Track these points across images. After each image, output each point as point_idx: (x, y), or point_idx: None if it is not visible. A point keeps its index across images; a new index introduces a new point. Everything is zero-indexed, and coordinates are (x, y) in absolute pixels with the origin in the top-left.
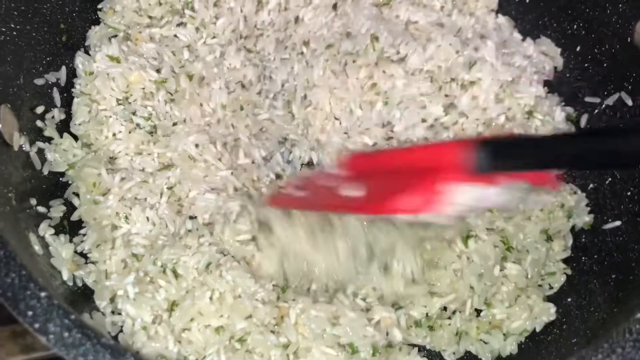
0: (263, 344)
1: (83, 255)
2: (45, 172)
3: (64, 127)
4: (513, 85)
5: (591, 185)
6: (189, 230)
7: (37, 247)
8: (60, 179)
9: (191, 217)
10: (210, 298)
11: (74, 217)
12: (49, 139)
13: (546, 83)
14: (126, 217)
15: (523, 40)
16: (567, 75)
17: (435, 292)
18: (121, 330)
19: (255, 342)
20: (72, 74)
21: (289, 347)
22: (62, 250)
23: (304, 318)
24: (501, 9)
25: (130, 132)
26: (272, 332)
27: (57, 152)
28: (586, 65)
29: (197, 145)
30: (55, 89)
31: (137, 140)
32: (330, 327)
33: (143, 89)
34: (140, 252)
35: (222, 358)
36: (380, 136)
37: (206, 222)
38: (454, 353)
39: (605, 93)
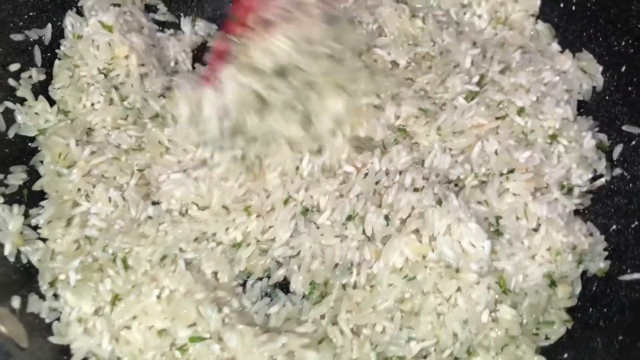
0: (205, 356)
1: (36, 229)
2: (11, 135)
3: (41, 89)
4: (537, 104)
5: (614, 227)
6: (149, 217)
7: None
8: (30, 144)
9: (154, 203)
10: (158, 297)
11: (36, 187)
12: (21, 100)
13: (581, 104)
14: (87, 195)
15: (562, 52)
16: (607, 97)
17: (414, 337)
18: (58, 319)
19: (197, 353)
20: (59, 33)
21: None
22: (10, 221)
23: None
24: (542, 15)
25: (110, 105)
26: (220, 339)
27: (28, 114)
28: (630, 88)
29: None
30: (37, 47)
31: (115, 115)
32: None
33: (127, 66)
34: (94, 234)
35: None
36: None
37: (172, 207)
38: None
39: None
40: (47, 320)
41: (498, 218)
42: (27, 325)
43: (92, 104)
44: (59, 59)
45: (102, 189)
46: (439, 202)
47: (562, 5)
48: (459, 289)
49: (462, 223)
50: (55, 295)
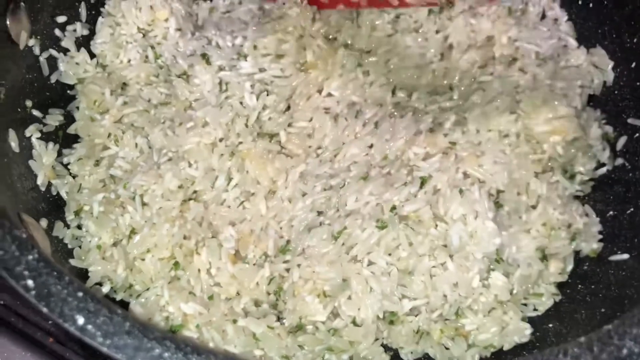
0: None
1: (67, 166)
2: (53, 81)
3: (84, 43)
4: None
5: (611, 213)
6: (170, 159)
7: (13, 144)
8: (68, 91)
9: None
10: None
11: (71, 129)
12: (65, 50)
13: (591, 98)
14: (116, 140)
15: (578, 47)
16: (616, 92)
17: (407, 295)
18: (80, 247)
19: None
20: None
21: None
22: (44, 155)
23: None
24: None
25: (145, 62)
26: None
27: (69, 64)
28: (638, 83)
29: None
30: (83, 4)
31: (148, 72)
32: None
33: (166, 29)
34: (119, 174)
35: (165, 293)
36: None
37: None
38: (411, 353)
39: None
40: (70, 246)
41: (500, 192)
42: (51, 245)
43: (129, 60)
44: (103, 17)
45: (131, 136)
46: (460, 191)
47: (580, 2)
48: (452, 257)
49: (480, 218)
50: (79, 227)
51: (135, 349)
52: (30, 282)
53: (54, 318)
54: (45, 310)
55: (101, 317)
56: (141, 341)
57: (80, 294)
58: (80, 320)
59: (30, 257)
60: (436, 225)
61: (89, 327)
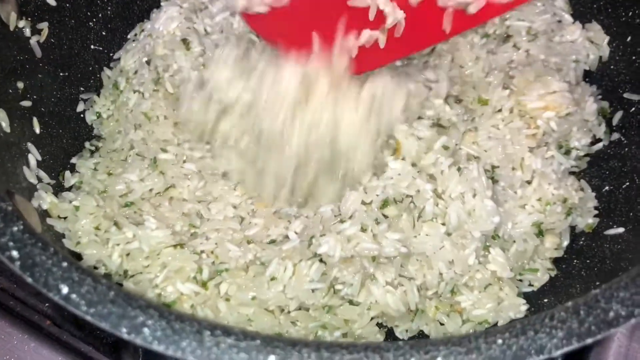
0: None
1: None
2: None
3: None
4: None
5: (606, 188)
6: None
7: (4, 124)
8: (61, 74)
9: None
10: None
11: None
12: None
13: (587, 74)
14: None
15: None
16: (611, 67)
17: (404, 275)
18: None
19: None
20: None
21: None
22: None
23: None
24: None
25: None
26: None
27: None
28: (634, 57)
29: None
30: None
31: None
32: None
33: None
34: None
35: (161, 274)
36: None
37: None
38: (406, 331)
39: None
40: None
41: (494, 167)
42: (44, 225)
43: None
44: None
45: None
46: (459, 169)
47: None
48: (448, 234)
49: (479, 196)
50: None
51: (119, 317)
52: (14, 253)
53: (39, 288)
54: (29, 280)
55: (85, 286)
56: (125, 309)
57: (64, 264)
58: (65, 290)
59: (15, 228)
60: (437, 204)
61: (73, 296)
